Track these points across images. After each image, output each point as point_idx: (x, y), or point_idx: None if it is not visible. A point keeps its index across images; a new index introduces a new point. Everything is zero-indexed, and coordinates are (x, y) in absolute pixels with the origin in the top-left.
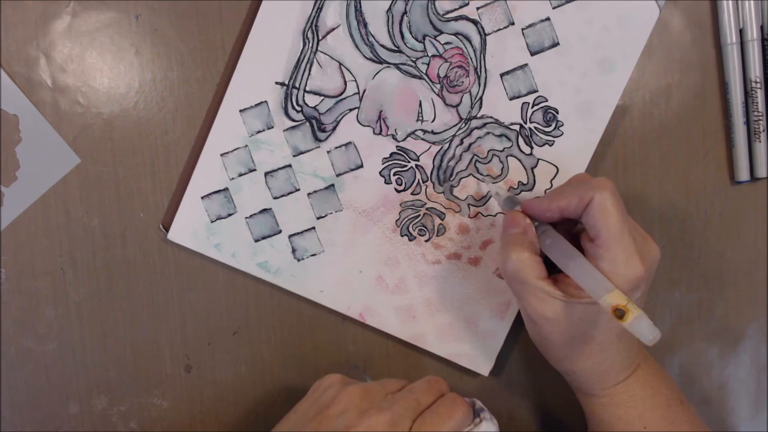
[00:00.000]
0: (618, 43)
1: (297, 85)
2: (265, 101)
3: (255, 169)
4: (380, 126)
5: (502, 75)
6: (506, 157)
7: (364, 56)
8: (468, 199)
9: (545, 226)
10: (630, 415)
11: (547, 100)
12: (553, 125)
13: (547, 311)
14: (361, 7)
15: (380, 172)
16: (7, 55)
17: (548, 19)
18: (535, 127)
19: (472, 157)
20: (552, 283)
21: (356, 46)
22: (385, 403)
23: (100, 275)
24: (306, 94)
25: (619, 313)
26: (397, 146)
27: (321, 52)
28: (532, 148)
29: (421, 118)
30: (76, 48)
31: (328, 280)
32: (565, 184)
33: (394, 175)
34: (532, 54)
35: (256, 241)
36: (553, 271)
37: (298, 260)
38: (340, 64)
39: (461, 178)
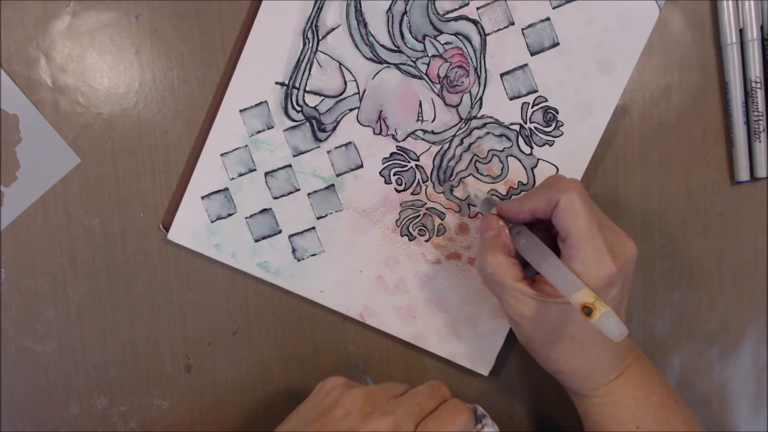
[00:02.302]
0: (618, 43)
1: (297, 85)
2: (265, 101)
3: (255, 169)
4: (380, 126)
5: (502, 75)
6: (506, 157)
7: (364, 56)
8: (468, 199)
9: (520, 227)
10: (622, 415)
11: (547, 100)
12: (553, 125)
13: (525, 311)
14: (361, 7)
15: (380, 172)
16: (7, 55)
17: (548, 19)
18: (535, 127)
19: (472, 157)
20: (529, 284)
21: (356, 46)
22: (388, 407)
23: (100, 275)
24: (306, 94)
25: (587, 311)
26: (397, 146)
27: (321, 52)
28: (532, 148)
29: (421, 118)
30: (76, 48)
31: (328, 280)
32: (537, 186)
33: (394, 175)
34: (532, 54)
35: (256, 241)
36: (534, 271)
37: (298, 260)
38: (340, 64)
39: (461, 178)
